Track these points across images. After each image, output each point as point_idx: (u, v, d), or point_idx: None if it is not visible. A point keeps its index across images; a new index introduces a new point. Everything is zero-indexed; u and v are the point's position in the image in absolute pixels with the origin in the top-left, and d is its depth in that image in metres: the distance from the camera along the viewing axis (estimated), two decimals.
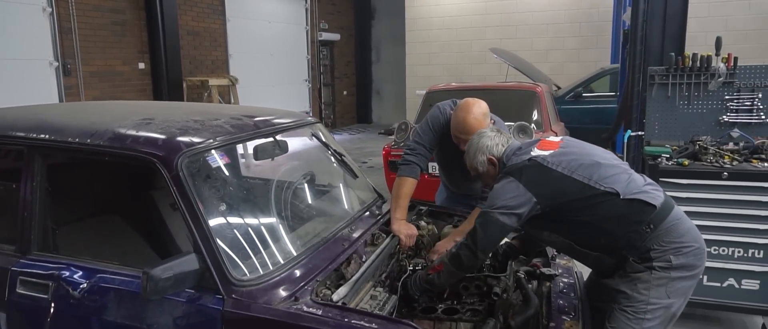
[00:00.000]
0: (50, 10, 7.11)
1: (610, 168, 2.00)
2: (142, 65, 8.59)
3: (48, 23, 7.13)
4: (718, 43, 3.40)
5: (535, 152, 2.06)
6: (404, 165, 2.64)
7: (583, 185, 1.95)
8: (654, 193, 1.97)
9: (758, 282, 3.05)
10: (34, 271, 1.99)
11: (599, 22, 11.11)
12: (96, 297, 1.88)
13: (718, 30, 9.29)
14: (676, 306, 1.96)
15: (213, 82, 9.09)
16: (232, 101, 9.57)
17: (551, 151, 2.05)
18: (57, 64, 7.26)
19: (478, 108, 2.51)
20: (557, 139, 2.15)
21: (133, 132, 2.00)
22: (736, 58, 3.34)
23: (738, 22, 9.94)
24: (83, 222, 2.56)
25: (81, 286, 1.90)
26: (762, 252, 3.01)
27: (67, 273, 1.95)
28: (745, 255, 3.03)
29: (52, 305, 1.92)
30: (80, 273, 1.95)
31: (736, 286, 3.08)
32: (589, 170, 1.98)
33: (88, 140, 1.99)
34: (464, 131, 2.50)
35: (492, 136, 2.25)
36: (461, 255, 2.04)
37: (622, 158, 5.59)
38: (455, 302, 2.32)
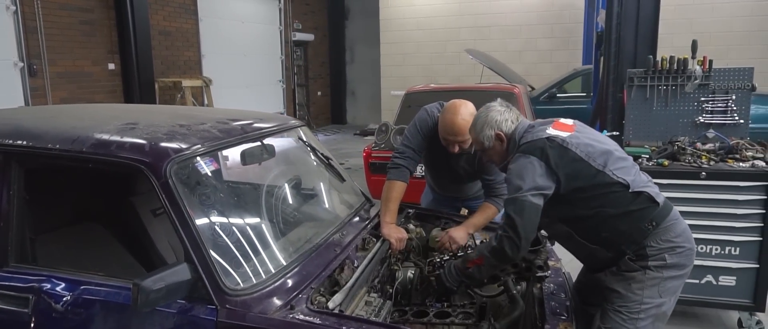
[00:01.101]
0: (14, 8, 6.84)
1: (620, 160, 2.00)
2: (111, 66, 8.35)
3: (12, 22, 6.86)
4: (694, 46, 3.49)
5: (552, 131, 2.01)
6: (393, 169, 2.63)
7: (597, 172, 1.94)
8: (657, 190, 2.00)
9: (734, 278, 3.14)
10: (13, 284, 1.90)
11: (570, 24, 11.31)
12: (81, 310, 1.80)
13: (683, 32, 9.63)
14: (667, 306, 1.99)
15: (186, 83, 8.92)
16: (206, 102, 9.40)
17: (568, 133, 2.02)
18: (22, 64, 6.99)
19: (466, 109, 2.51)
20: (570, 122, 2.11)
21: (117, 138, 1.93)
22: (711, 61, 3.44)
23: (702, 25, 10.26)
24: (61, 231, 2.47)
25: (64, 299, 1.83)
26: (738, 249, 3.11)
27: (49, 286, 1.86)
28: (722, 252, 3.12)
29: (33, 319, 1.84)
30: (62, 285, 1.87)
31: (714, 282, 3.17)
32: (603, 158, 1.96)
33: (70, 146, 1.91)
34: (453, 133, 2.50)
35: (501, 110, 2.15)
36: (504, 247, 1.94)
37: None
38: (446, 304, 2.31)
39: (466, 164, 2.74)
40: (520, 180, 1.92)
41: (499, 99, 2.26)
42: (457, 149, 2.56)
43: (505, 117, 2.13)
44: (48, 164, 2.21)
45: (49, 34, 7.35)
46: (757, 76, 3.51)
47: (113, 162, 1.86)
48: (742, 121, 3.43)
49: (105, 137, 1.94)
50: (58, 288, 1.85)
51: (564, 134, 2.00)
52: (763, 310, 3.16)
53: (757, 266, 3.09)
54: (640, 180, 1.98)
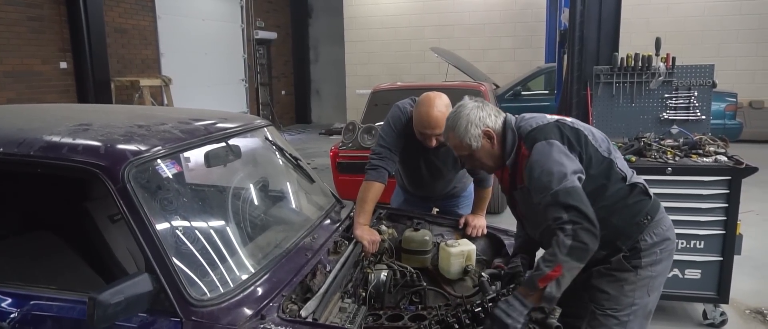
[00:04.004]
0: None
1: (616, 149, 1.93)
2: (64, 65, 7.97)
3: None
4: (658, 43, 3.55)
5: (554, 117, 1.89)
6: (371, 170, 2.54)
7: (603, 158, 1.85)
8: (644, 182, 1.94)
9: (699, 271, 3.20)
10: None
11: (533, 23, 11.49)
12: (30, 327, 1.66)
13: (641, 31, 9.90)
14: (653, 303, 1.97)
15: (144, 82, 8.61)
16: (166, 102, 9.10)
17: (570, 119, 1.92)
18: None
19: (441, 101, 2.46)
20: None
21: (69, 140, 1.79)
22: (674, 58, 3.50)
23: (658, 25, 10.59)
24: (8, 241, 2.30)
25: (11, 316, 1.68)
26: (703, 242, 3.17)
27: None
28: (688, 246, 3.17)
29: None
30: (9, 300, 1.72)
31: (680, 276, 3.22)
32: (606, 144, 1.88)
33: (16, 150, 1.76)
34: (429, 126, 2.45)
35: (478, 106, 1.93)
36: (584, 240, 1.63)
37: None
38: (421, 307, 2.26)
39: (445, 157, 2.69)
40: (561, 166, 1.72)
41: (466, 96, 2.09)
42: (434, 142, 2.51)
43: (488, 112, 1.92)
44: None
45: None
46: None
47: (65, 166, 1.73)
48: (703, 117, 3.51)
49: (55, 139, 1.80)
50: (4, 304, 1.71)
51: (568, 119, 1.90)
52: (726, 302, 3.23)
53: (721, 259, 3.16)
54: (631, 172, 1.93)
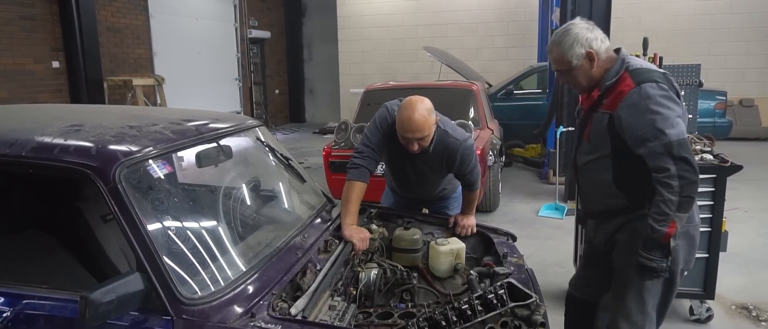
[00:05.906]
0: None
1: None
2: (56, 64, 7.95)
3: None
4: (645, 43, 3.59)
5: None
6: (353, 169, 2.56)
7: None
8: None
9: None
10: None
11: (526, 22, 11.53)
12: (23, 326, 1.68)
13: (632, 30, 9.96)
14: (676, 272, 2.09)
15: (137, 82, 8.60)
16: (159, 101, 9.09)
17: None
18: None
19: (423, 105, 2.45)
20: None
21: (60, 141, 1.81)
22: (661, 58, 3.55)
23: (649, 23, 10.66)
24: (0, 241, 2.31)
25: (4, 315, 1.70)
26: None
27: None
28: None
29: None
30: (2, 299, 1.74)
31: None
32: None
33: (7, 151, 1.78)
34: (410, 130, 2.44)
35: (589, 27, 2.02)
36: (689, 195, 1.82)
37: (555, 152, 5.81)
38: (411, 304, 2.29)
39: (431, 161, 2.70)
40: (672, 111, 1.84)
41: (578, 17, 2.15)
42: (416, 147, 2.49)
43: (595, 35, 2.00)
44: None
45: None
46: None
47: (56, 167, 1.74)
48: (690, 116, 3.55)
49: (47, 140, 1.82)
50: None
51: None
52: (712, 298, 3.28)
53: (707, 255, 3.21)
54: None
